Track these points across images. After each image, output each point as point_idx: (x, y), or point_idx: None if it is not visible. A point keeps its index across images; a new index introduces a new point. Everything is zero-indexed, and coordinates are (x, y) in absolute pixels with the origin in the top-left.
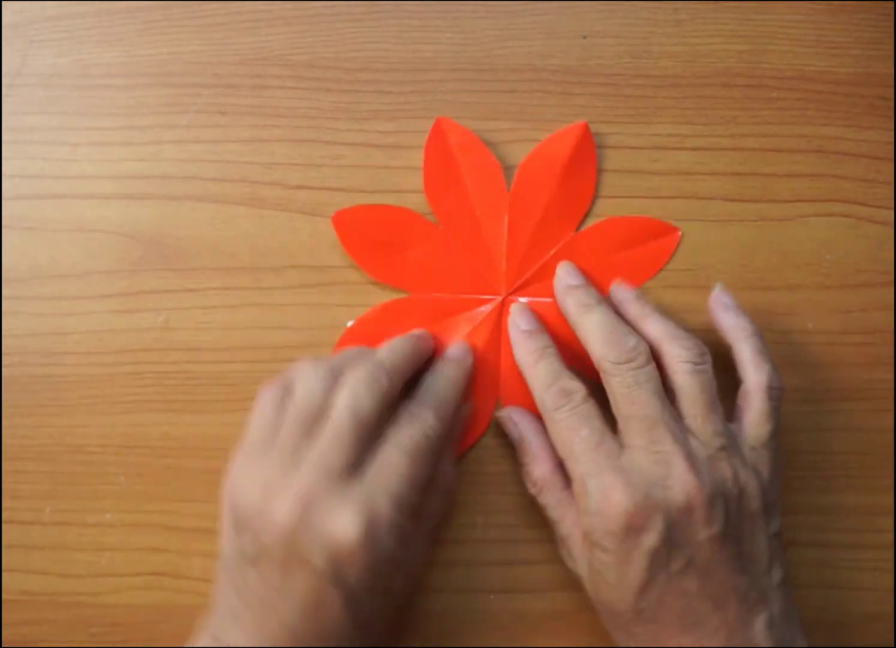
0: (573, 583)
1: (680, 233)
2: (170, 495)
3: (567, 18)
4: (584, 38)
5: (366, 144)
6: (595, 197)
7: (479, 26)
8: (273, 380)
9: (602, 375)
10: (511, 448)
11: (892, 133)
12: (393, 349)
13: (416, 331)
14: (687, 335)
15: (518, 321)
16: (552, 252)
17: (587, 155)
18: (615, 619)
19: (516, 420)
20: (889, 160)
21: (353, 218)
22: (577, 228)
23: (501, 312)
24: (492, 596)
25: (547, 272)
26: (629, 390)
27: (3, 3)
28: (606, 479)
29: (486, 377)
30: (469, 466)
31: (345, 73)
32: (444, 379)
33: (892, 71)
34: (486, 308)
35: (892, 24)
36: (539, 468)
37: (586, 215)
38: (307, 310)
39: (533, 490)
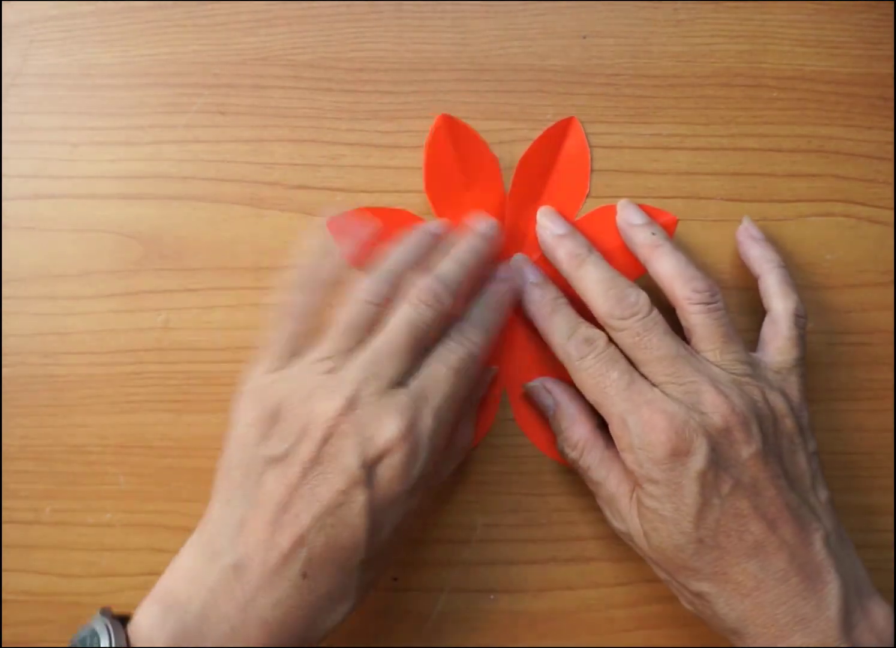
0: (573, 583)
1: (676, 218)
2: (170, 495)
3: (567, 18)
4: (584, 38)
5: (366, 144)
6: (595, 197)
7: (479, 26)
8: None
9: (609, 330)
10: (511, 448)
11: (892, 133)
12: (458, 261)
13: (483, 228)
14: (698, 275)
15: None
16: None
17: (579, 149)
18: (675, 558)
19: (549, 388)
20: (889, 160)
21: (347, 222)
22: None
23: None
24: (492, 596)
25: (544, 265)
26: (640, 338)
27: (3, 3)
28: (645, 412)
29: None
30: (469, 466)
31: (345, 73)
32: (495, 303)
33: (892, 71)
34: None
35: (892, 24)
36: (579, 430)
37: (582, 209)
38: None
39: (573, 454)
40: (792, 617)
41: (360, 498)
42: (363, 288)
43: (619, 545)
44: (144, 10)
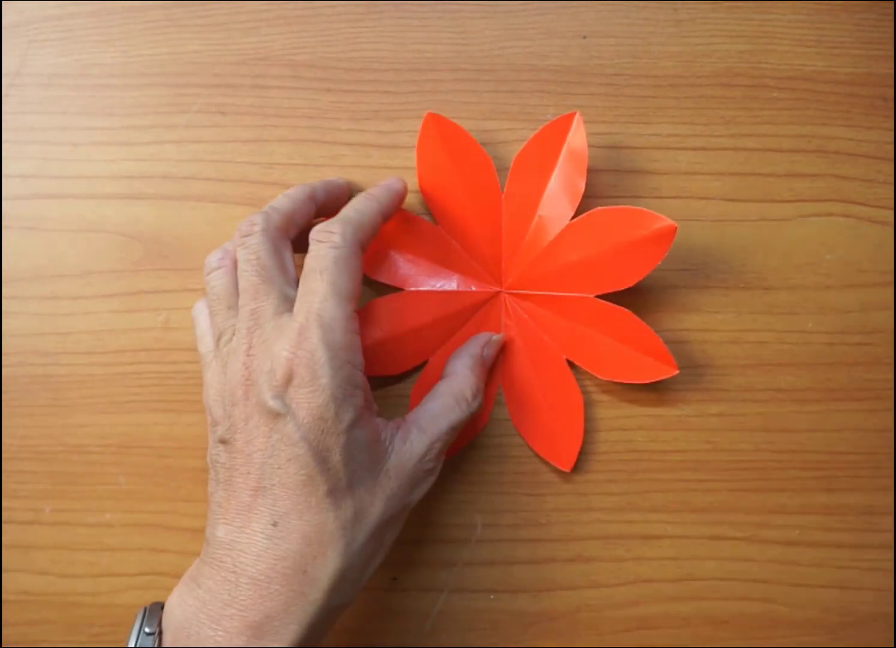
0: (573, 583)
1: (675, 225)
2: (170, 495)
3: (567, 18)
4: (584, 38)
5: (366, 144)
6: (595, 197)
7: (479, 26)
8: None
9: None
10: (511, 448)
11: (892, 133)
12: (285, 195)
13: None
14: None
15: None
16: (547, 243)
17: (579, 145)
18: None
19: None
20: (889, 160)
21: None
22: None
23: (500, 305)
24: (492, 596)
25: (543, 264)
26: None
27: (3, 3)
28: None
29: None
30: (469, 466)
31: (345, 73)
32: (362, 197)
33: (892, 71)
34: (483, 302)
35: (892, 24)
36: None
37: (581, 207)
38: None
39: None
40: None
41: (287, 428)
42: (205, 264)
43: (619, 545)
44: (144, 10)
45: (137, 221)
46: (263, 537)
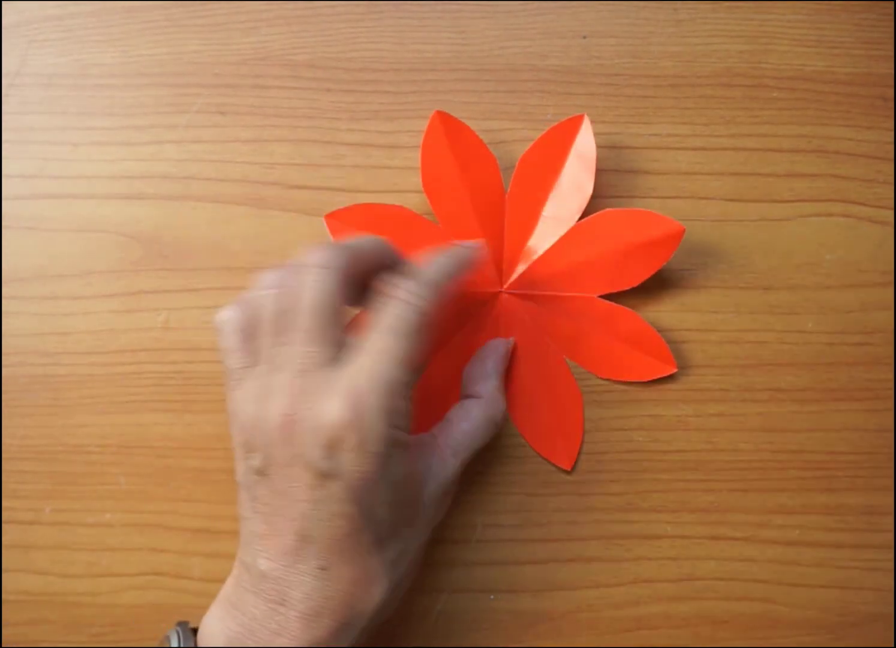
0: (573, 583)
1: (683, 228)
2: (170, 495)
3: (567, 18)
4: (584, 38)
5: (366, 144)
6: (595, 197)
7: (479, 26)
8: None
9: None
10: (511, 448)
11: (892, 133)
12: (362, 238)
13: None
14: None
15: None
16: (550, 245)
17: (587, 148)
18: None
19: None
20: (889, 160)
21: (346, 218)
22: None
23: (500, 305)
24: (492, 596)
25: (547, 264)
26: None
27: (3, 3)
28: None
29: None
30: (470, 466)
31: (345, 73)
32: (446, 256)
33: (892, 71)
34: (484, 302)
35: (892, 24)
36: None
37: (586, 211)
38: None
39: None
40: None
41: (334, 488)
42: (259, 278)
43: (619, 545)
44: (144, 10)
45: (137, 222)
46: (312, 578)
